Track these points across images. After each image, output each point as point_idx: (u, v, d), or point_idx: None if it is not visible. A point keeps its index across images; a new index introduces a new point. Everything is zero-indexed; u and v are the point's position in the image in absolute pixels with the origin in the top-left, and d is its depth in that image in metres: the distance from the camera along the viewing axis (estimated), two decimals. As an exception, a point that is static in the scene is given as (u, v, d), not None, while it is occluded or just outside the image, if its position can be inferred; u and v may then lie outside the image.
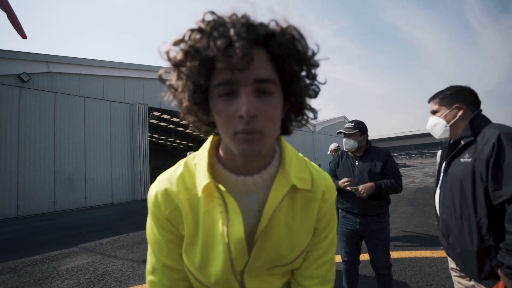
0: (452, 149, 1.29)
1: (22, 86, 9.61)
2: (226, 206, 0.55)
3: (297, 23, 0.49)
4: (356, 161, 2.21)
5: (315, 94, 0.55)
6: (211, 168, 0.59)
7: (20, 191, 9.24)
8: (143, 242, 4.89)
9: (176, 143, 34.50)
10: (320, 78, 0.54)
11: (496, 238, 1.07)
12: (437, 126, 1.35)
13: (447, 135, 1.34)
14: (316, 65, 0.52)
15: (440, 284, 2.68)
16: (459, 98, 1.30)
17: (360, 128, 2.19)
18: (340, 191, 2.17)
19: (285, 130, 0.61)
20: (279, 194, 0.57)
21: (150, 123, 16.75)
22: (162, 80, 0.54)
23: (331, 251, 0.67)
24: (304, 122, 0.59)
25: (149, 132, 15.22)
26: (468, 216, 1.16)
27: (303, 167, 0.63)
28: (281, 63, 0.49)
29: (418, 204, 7.13)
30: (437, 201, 1.36)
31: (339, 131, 2.31)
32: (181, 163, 0.63)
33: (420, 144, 73.65)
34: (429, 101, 1.43)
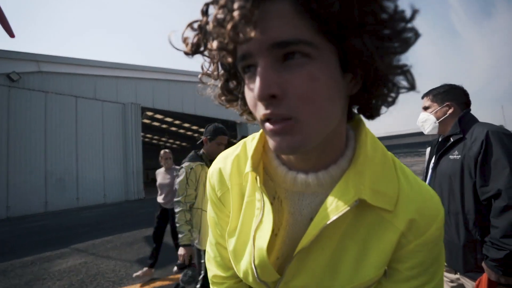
0: (441, 146, 1.32)
1: (11, 86, 9.45)
2: (263, 204, 0.44)
3: None
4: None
5: (401, 49, 0.35)
6: (265, 154, 0.49)
7: (10, 192, 9.09)
8: (136, 242, 4.90)
9: (169, 143, 34.28)
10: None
11: (482, 232, 1.11)
12: (427, 121, 1.38)
13: (435, 131, 1.37)
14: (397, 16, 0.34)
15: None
16: (451, 96, 1.33)
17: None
18: None
19: (364, 111, 0.44)
20: (339, 205, 0.40)
21: (143, 123, 16.66)
22: (201, 81, 0.46)
23: None
24: (392, 96, 0.40)
25: (142, 132, 15.13)
26: (456, 211, 1.19)
27: (389, 175, 0.43)
28: (320, 9, 0.31)
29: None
30: None
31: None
32: (241, 143, 0.55)
33: (409, 143, 74.96)
34: (422, 97, 1.46)
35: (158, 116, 20.70)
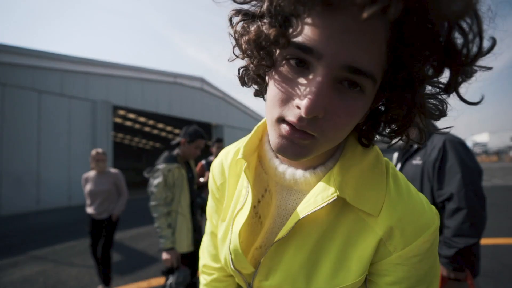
0: (406, 152, 1.43)
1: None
2: (248, 190, 0.45)
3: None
4: None
5: (438, 115, 0.37)
6: (261, 146, 0.50)
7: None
8: (103, 247, 4.66)
9: (142, 143, 33.02)
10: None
11: None
12: None
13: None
14: (470, 73, 0.33)
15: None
16: None
17: None
18: None
19: (361, 139, 0.44)
20: (317, 200, 0.40)
21: (115, 123, 15.90)
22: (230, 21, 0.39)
23: None
24: (399, 141, 0.42)
25: (113, 132, 14.43)
26: None
27: (377, 180, 0.42)
28: (408, 53, 0.30)
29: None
30: None
31: None
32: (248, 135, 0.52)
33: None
34: None
35: (131, 115, 19.91)
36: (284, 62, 0.34)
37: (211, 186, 0.59)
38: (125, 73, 13.65)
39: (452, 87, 0.33)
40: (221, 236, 0.52)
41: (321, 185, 0.42)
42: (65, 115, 11.25)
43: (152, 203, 1.83)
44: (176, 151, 2.02)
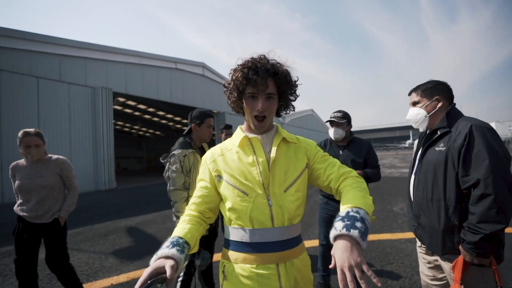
0: (428, 138, 1.39)
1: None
2: (253, 147, 0.99)
3: (290, 65, 0.99)
4: (340, 150, 2.30)
5: (294, 99, 1.04)
6: (245, 132, 1.04)
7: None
8: (110, 233, 4.66)
9: (142, 131, 32.88)
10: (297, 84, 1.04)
11: (460, 218, 1.20)
12: (418, 116, 1.44)
13: (425, 124, 1.44)
14: (295, 87, 1.02)
15: (399, 262, 2.96)
16: (439, 91, 1.41)
17: (347, 118, 2.28)
18: None
19: (278, 115, 1.07)
20: (277, 141, 0.99)
21: (115, 110, 15.70)
22: (225, 86, 1.03)
23: (336, 163, 1.01)
24: (288, 112, 1.07)
25: (113, 119, 14.27)
26: (438, 198, 1.27)
27: (292, 135, 1.06)
28: (280, 86, 0.96)
29: (379, 192, 7.70)
30: (412, 186, 1.47)
31: (329, 119, 2.31)
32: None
33: (379, 138, 79.30)
34: (410, 94, 1.53)
35: (131, 102, 19.68)
36: (247, 97, 0.95)
37: (203, 167, 1.05)
38: (125, 59, 13.35)
39: (293, 92, 1.03)
40: (239, 177, 0.95)
41: (277, 136, 1.02)
42: (65, 102, 11.08)
43: (171, 188, 1.85)
44: (186, 138, 2.02)
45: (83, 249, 3.86)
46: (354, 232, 0.68)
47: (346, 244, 0.66)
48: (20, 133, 2.18)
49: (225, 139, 3.31)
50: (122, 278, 2.89)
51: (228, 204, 0.93)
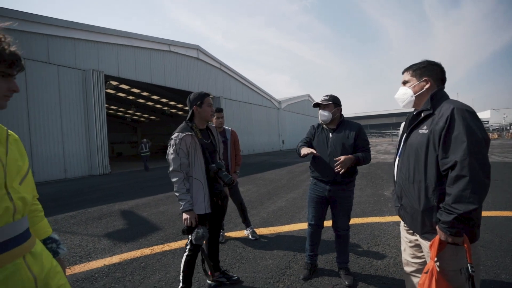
0: (413, 121, 1.39)
1: None
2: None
3: None
4: (330, 133, 2.30)
5: None
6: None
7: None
8: (104, 216, 4.69)
9: (136, 115, 32.47)
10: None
11: (439, 199, 1.22)
12: (405, 95, 1.43)
13: (411, 105, 1.43)
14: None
15: (386, 243, 3.05)
16: (429, 72, 1.38)
17: (334, 100, 2.28)
18: (314, 160, 2.34)
19: None
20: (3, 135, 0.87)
21: (107, 94, 15.37)
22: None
23: None
24: None
25: (106, 103, 14.01)
26: (418, 180, 1.30)
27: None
28: None
29: (371, 178, 7.83)
30: (396, 168, 1.50)
31: (316, 102, 2.35)
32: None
33: (374, 125, 79.81)
34: (403, 72, 1.49)
35: (124, 86, 19.28)
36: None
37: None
38: (116, 40, 12.93)
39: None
40: None
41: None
42: (54, 85, 10.80)
43: (170, 169, 1.98)
44: (187, 122, 2.12)
45: (76, 232, 3.89)
46: None
47: None
48: None
49: (216, 122, 3.28)
50: (115, 259, 2.93)
51: None
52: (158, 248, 3.18)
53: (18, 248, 0.81)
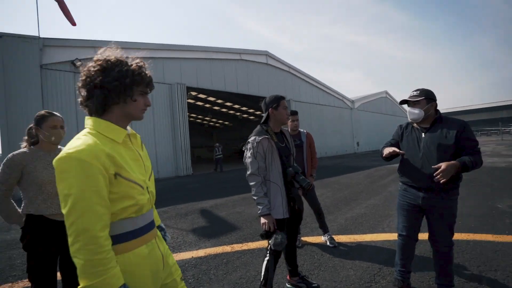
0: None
1: (75, 71, 10.45)
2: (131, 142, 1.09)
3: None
4: (423, 133, 1.99)
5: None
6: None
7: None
8: (190, 213, 5.22)
9: (212, 121, 35.46)
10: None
11: None
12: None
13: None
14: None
15: (509, 270, 2.42)
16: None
17: (426, 95, 1.95)
18: (402, 163, 2.08)
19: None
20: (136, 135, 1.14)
21: (188, 103, 17.32)
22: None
23: None
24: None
25: (187, 112, 15.80)
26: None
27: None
28: None
29: (475, 185, 6.48)
30: None
31: (403, 99, 2.06)
32: (87, 139, 0.91)
33: (477, 121, 65.74)
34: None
35: (202, 95, 21.31)
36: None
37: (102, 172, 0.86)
38: (195, 55, 14.45)
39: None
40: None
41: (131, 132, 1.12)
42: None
43: (247, 172, 1.97)
44: (261, 125, 2.10)
45: (169, 225, 4.44)
46: None
47: None
48: (41, 112, 1.79)
49: (291, 125, 3.24)
50: (201, 252, 3.21)
51: (126, 199, 0.91)
52: (237, 247, 3.34)
53: (154, 230, 1.05)
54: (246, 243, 3.45)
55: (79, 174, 0.78)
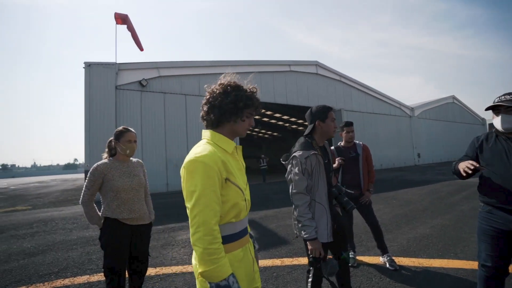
0: None
1: (142, 90, 11.84)
2: (237, 153, 1.20)
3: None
4: None
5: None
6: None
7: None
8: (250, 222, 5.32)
9: (261, 133, 36.06)
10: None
11: None
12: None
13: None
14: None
15: None
16: None
17: None
18: (484, 180, 1.76)
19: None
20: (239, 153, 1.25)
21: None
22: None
23: None
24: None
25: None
26: None
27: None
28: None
29: None
30: None
31: (492, 104, 1.75)
32: (207, 147, 1.07)
33: None
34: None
35: (251, 108, 21.93)
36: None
37: (218, 172, 1.00)
38: (246, 69, 15.06)
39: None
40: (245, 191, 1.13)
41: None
42: (182, 110, 13.62)
43: (293, 191, 1.76)
44: (305, 138, 1.93)
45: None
46: None
47: None
48: (119, 128, 2.08)
49: (346, 137, 3.10)
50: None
51: (231, 202, 1.03)
52: (287, 261, 3.27)
53: (247, 235, 1.15)
54: (296, 258, 3.35)
55: (203, 174, 0.94)
